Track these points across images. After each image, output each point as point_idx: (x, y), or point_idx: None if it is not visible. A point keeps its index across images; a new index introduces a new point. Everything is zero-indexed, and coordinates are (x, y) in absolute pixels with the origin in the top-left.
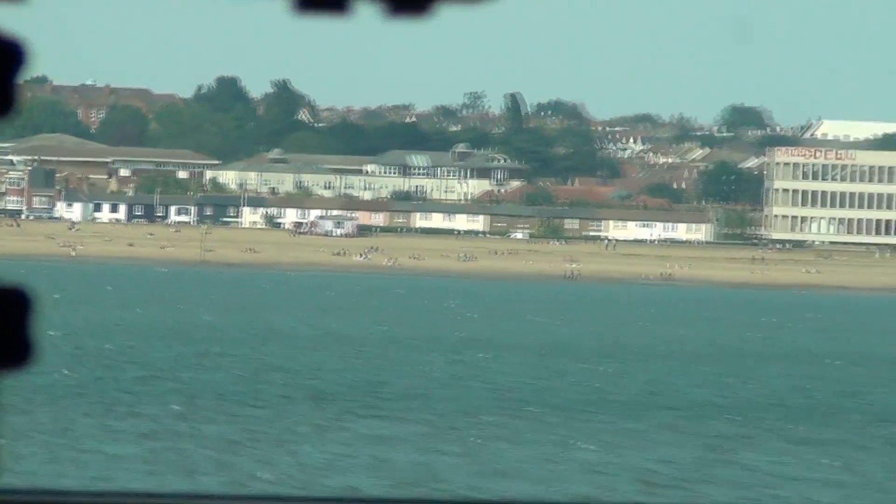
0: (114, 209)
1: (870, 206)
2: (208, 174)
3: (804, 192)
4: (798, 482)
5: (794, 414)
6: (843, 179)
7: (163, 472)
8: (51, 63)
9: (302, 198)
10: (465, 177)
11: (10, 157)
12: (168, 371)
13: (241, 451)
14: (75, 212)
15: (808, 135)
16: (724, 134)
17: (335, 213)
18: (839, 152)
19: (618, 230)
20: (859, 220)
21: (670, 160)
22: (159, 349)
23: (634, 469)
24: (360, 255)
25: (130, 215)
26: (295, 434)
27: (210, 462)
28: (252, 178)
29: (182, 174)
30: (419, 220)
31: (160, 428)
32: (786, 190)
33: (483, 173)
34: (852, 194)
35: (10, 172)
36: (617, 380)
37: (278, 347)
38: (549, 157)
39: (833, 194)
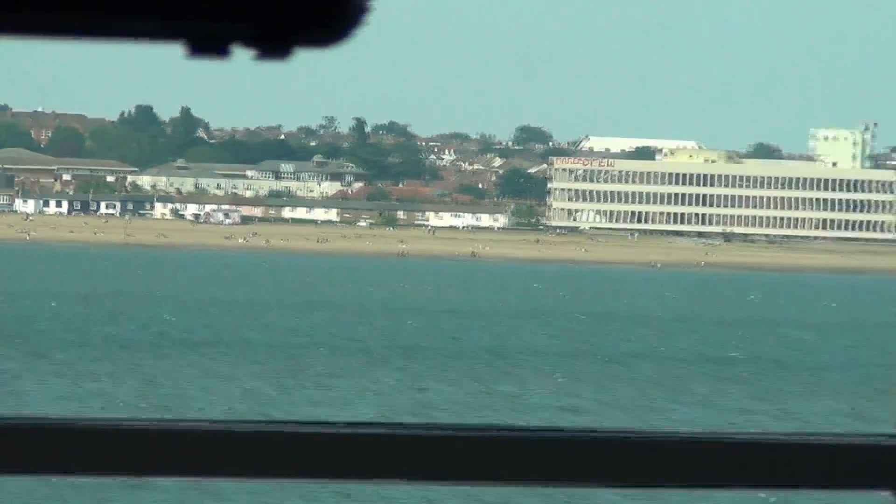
0: (58, 205)
1: (625, 202)
2: (129, 178)
3: (576, 191)
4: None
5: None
6: (605, 181)
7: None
8: (10, 93)
9: (199, 196)
10: (322, 180)
11: None
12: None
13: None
14: (29, 207)
15: (579, 148)
16: (517, 147)
17: (224, 207)
18: (602, 161)
19: (437, 220)
20: (617, 212)
21: (476, 167)
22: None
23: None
24: (244, 239)
25: (70, 209)
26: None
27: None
28: (162, 181)
29: (110, 178)
30: (288, 213)
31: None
32: (563, 189)
33: (335, 177)
34: (612, 192)
35: None
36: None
37: (166, 309)
38: (385, 165)
39: (598, 192)
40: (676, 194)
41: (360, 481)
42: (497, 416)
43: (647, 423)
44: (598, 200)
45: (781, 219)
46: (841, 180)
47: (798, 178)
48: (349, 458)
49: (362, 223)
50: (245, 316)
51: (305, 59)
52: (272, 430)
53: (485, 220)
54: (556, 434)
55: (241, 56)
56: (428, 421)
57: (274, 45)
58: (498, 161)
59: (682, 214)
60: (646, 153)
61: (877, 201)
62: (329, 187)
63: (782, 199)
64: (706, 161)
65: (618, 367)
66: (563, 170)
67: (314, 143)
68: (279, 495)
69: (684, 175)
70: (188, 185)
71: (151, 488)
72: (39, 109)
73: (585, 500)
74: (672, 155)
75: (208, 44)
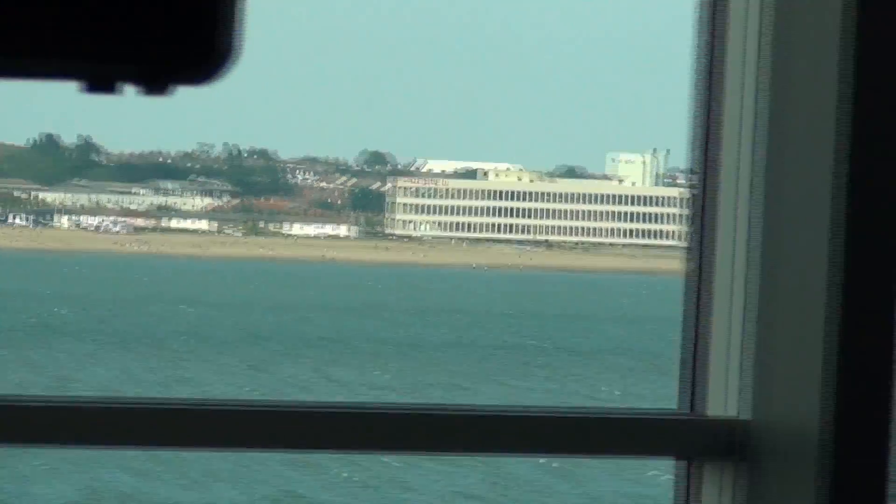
0: None
1: (453, 214)
2: (38, 195)
3: (413, 205)
4: None
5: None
6: (437, 197)
7: None
8: None
9: (96, 209)
10: (199, 196)
11: None
12: None
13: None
14: None
15: (414, 168)
16: (364, 168)
17: (118, 218)
18: (435, 180)
19: (296, 230)
20: (448, 223)
21: (328, 185)
22: None
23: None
24: (134, 246)
25: None
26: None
27: None
28: (66, 198)
29: (21, 195)
30: (170, 223)
31: None
32: (402, 203)
33: (210, 193)
34: (443, 206)
35: None
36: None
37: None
38: (252, 183)
39: (431, 206)
40: (499, 208)
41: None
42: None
43: (454, 399)
44: (431, 213)
45: (587, 228)
46: (635, 196)
47: (600, 195)
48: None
49: (233, 232)
50: (129, 309)
51: (184, 94)
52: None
53: (337, 229)
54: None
55: (129, 91)
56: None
57: (155, 83)
58: (346, 180)
59: (505, 225)
60: (470, 174)
61: (664, 213)
62: (205, 202)
63: (588, 212)
64: (522, 180)
65: (432, 354)
66: (402, 188)
67: (191, 165)
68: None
69: (506, 192)
70: (86, 200)
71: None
72: None
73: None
74: (497, 175)
75: (100, 82)
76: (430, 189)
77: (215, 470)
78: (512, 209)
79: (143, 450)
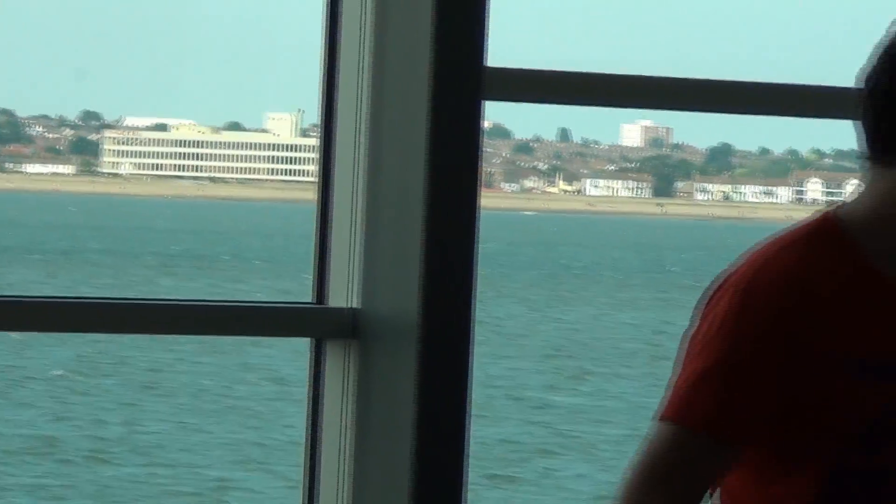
0: None
1: (148, 157)
2: None
3: (118, 151)
4: None
5: None
6: (135, 144)
7: None
8: None
9: None
10: None
11: None
12: None
13: None
14: None
15: (119, 122)
16: (82, 123)
17: None
18: (133, 131)
19: (31, 169)
20: (144, 164)
21: (58, 136)
22: None
23: None
24: None
25: None
26: None
27: None
28: None
29: None
30: None
31: None
32: (110, 149)
33: None
34: (140, 151)
35: None
36: None
37: None
38: None
39: (131, 151)
40: (182, 153)
41: None
42: None
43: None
44: (131, 157)
45: (247, 168)
46: (283, 144)
47: (259, 143)
48: None
49: None
50: None
51: None
52: None
53: (62, 168)
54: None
55: None
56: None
57: None
58: (70, 131)
59: (185, 165)
60: (161, 126)
61: (304, 157)
62: None
63: (247, 156)
64: (202, 132)
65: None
66: (110, 137)
67: None
68: None
69: (187, 140)
70: None
71: None
72: None
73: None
74: (178, 129)
75: None
76: (129, 138)
77: None
78: (191, 154)
79: None
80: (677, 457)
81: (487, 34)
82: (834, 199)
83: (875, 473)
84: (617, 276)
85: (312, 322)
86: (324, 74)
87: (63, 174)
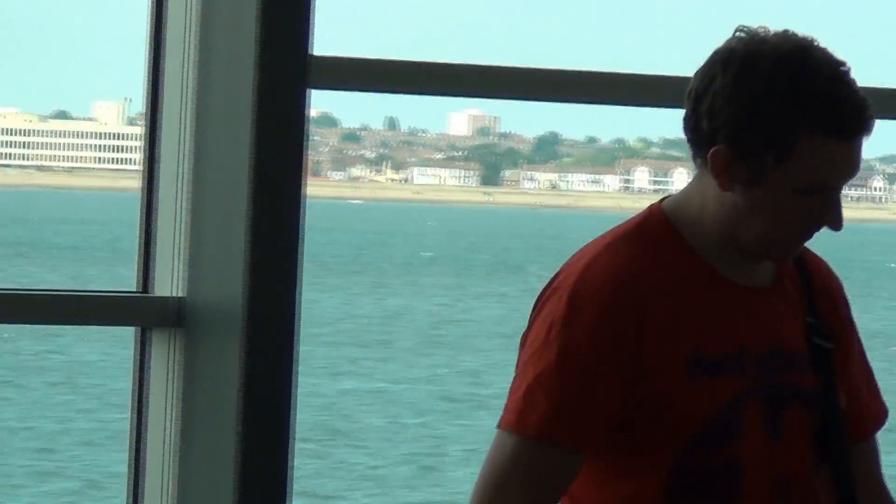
0: None
1: None
2: None
3: None
4: None
5: None
6: None
7: None
8: None
9: None
10: None
11: None
12: None
13: None
14: None
15: None
16: None
17: None
18: None
19: None
20: None
21: None
22: None
23: None
24: None
25: None
26: None
27: None
28: None
29: None
30: None
31: None
32: None
33: None
34: None
35: None
36: None
37: None
38: None
39: None
40: (9, 141)
41: None
42: None
43: None
44: None
45: (75, 157)
46: (112, 133)
47: (85, 132)
48: None
49: None
50: None
51: None
52: None
53: None
54: None
55: None
56: None
57: None
58: None
59: (11, 154)
60: None
61: (133, 146)
62: None
63: (74, 144)
64: (26, 121)
65: None
66: None
67: None
68: None
69: (13, 129)
70: None
71: None
72: None
73: None
74: (5, 117)
75: None
76: None
77: None
78: (17, 142)
79: None
80: (521, 467)
81: (313, 22)
82: (661, 187)
83: (719, 467)
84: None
85: (137, 311)
86: (149, 62)
87: None
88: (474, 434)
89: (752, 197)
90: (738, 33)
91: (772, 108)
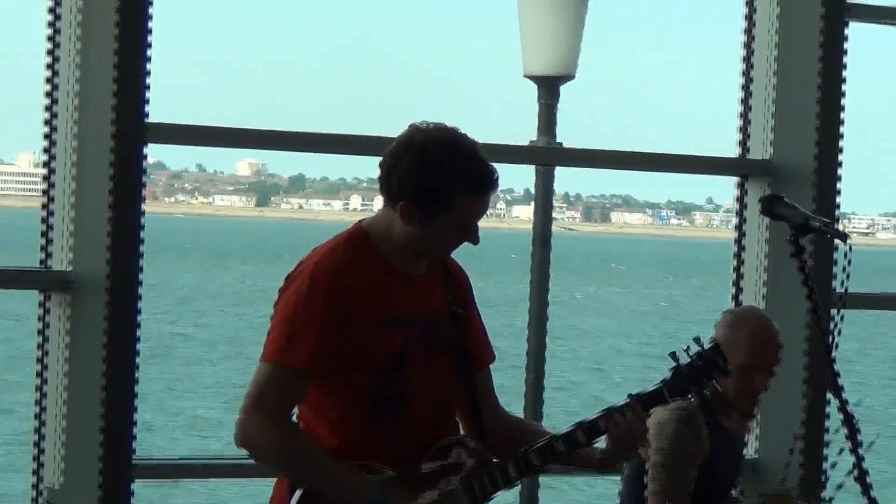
0: None
1: None
2: None
3: None
4: None
5: None
6: None
7: None
8: None
9: None
10: None
11: None
12: None
13: None
14: None
15: None
16: None
17: None
18: None
19: None
20: None
21: None
22: None
23: None
24: None
25: None
26: None
27: None
28: None
29: None
30: None
31: None
32: None
33: None
34: None
35: None
36: None
37: None
38: None
39: None
40: None
41: None
42: None
43: None
44: None
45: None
46: (25, 172)
47: (10, 172)
48: None
49: None
50: None
51: None
52: None
53: None
54: None
55: None
56: None
57: None
58: None
59: None
60: None
61: (39, 179)
62: None
63: (4, 179)
64: None
65: None
66: None
67: None
68: None
69: None
70: None
71: None
72: None
73: None
74: None
75: None
76: None
77: None
78: None
79: None
80: (270, 385)
81: (149, 99)
82: (368, 208)
83: (396, 389)
84: None
85: (41, 279)
86: (46, 125)
87: None
88: None
89: (426, 231)
90: (411, 127)
91: (438, 181)
